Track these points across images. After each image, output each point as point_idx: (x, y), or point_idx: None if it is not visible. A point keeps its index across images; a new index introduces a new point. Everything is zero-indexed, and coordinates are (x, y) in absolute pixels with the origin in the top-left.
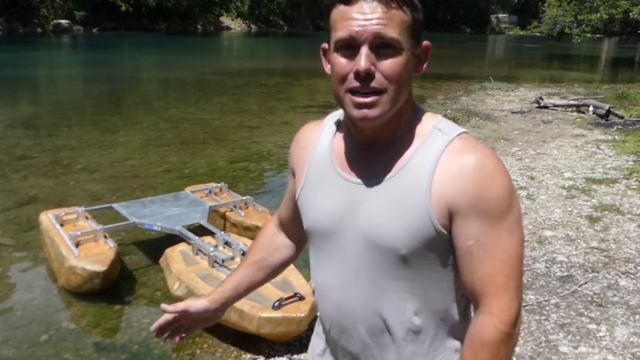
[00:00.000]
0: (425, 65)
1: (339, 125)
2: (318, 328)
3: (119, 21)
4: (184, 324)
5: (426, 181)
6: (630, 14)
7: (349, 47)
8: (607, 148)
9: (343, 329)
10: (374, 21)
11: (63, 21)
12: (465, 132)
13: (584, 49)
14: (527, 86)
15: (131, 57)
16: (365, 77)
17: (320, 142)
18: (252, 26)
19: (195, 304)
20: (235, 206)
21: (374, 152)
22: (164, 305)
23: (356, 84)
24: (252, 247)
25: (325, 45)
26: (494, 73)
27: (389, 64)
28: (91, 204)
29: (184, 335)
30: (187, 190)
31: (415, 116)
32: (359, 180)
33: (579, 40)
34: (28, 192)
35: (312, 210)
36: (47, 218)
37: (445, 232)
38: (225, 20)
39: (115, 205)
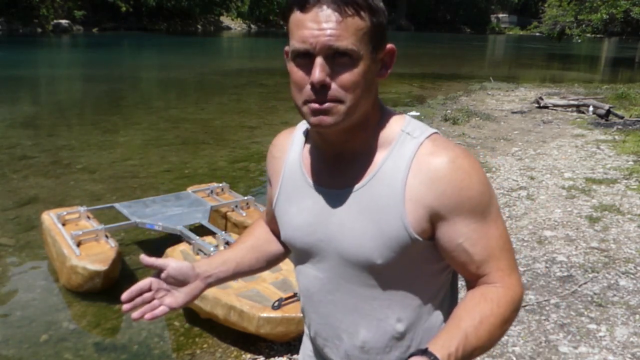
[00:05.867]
0: (389, 70)
1: (307, 135)
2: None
3: (119, 21)
4: (158, 295)
5: (399, 189)
6: (631, 14)
7: (305, 56)
8: (607, 148)
9: (327, 338)
10: (328, 31)
11: (63, 21)
12: (436, 132)
13: (584, 49)
14: (527, 86)
15: (131, 57)
16: (320, 88)
17: (291, 152)
18: (252, 26)
19: (176, 261)
20: (236, 206)
21: (343, 161)
22: (143, 256)
23: (313, 95)
24: (246, 232)
25: (287, 48)
26: (494, 73)
27: (346, 75)
28: (91, 204)
29: (156, 312)
30: (189, 190)
31: (382, 120)
32: (330, 191)
33: (579, 41)
34: (28, 192)
35: (286, 224)
36: (49, 217)
37: (420, 239)
38: (226, 20)
39: (116, 205)
